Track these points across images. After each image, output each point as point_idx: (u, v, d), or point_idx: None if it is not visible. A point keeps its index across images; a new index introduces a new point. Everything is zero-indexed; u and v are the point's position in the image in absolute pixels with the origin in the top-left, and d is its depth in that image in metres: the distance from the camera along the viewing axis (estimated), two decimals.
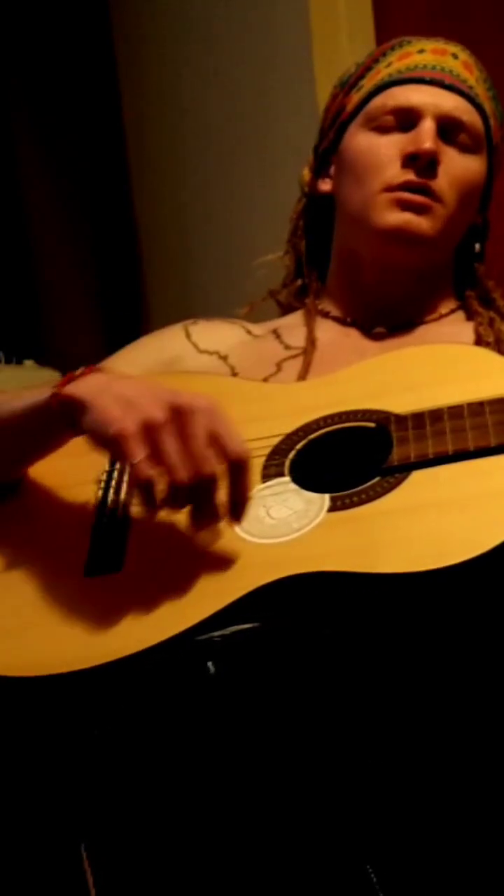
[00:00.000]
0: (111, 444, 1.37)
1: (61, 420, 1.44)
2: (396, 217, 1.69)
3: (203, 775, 1.29)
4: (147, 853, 1.30)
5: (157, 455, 1.36)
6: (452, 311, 1.80)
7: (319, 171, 1.84)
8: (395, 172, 1.70)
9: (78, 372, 1.45)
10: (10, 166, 3.18)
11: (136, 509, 1.47)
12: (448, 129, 1.71)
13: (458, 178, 1.71)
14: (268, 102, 2.94)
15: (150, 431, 1.36)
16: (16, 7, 3.15)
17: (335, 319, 1.80)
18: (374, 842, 1.28)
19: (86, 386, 1.42)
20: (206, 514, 1.38)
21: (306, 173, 1.86)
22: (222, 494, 1.38)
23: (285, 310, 1.88)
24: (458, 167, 1.71)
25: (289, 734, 1.29)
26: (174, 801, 1.29)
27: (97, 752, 1.32)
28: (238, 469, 1.38)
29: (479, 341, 1.71)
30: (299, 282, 1.87)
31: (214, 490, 1.37)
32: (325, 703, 1.31)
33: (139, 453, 1.35)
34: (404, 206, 1.69)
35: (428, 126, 1.69)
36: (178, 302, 3.12)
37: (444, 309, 1.79)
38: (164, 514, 1.40)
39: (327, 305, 1.82)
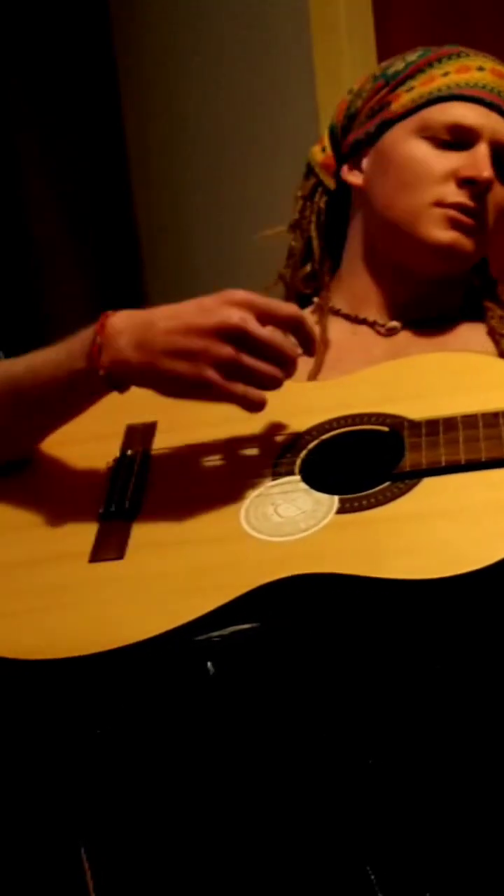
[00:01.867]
0: (204, 396, 1.43)
1: (106, 387, 1.46)
2: (447, 235, 1.69)
3: (202, 775, 1.30)
4: (146, 853, 1.30)
5: (249, 379, 1.42)
6: (462, 310, 1.79)
7: (345, 159, 1.80)
8: (450, 191, 1.69)
9: (97, 338, 1.45)
10: (10, 166, 3.18)
11: (147, 500, 1.49)
12: (499, 156, 1.71)
13: (500, 207, 1.72)
14: (268, 102, 2.93)
15: (230, 368, 1.41)
16: (16, 8, 3.15)
17: (345, 317, 1.79)
18: (374, 842, 1.28)
19: (127, 350, 1.43)
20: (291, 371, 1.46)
21: (318, 153, 1.84)
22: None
23: (290, 292, 1.86)
24: (502, 196, 1.72)
25: (287, 734, 1.30)
26: (173, 801, 1.30)
27: (97, 751, 1.32)
28: (300, 327, 1.48)
29: (493, 332, 1.72)
30: (308, 268, 1.85)
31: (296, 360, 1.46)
32: (324, 703, 1.31)
33: (238, 389, 1.42)
34: (455, 224, 1.69)
35: (485, 152, 1.69)
36: (178, 301, 3.11)
37: (454, 307, 1.78)
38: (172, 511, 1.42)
39: (337, 300, 1.80)
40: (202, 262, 3.15)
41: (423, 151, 1.72)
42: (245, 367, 1.41)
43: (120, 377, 1.44)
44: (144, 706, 1.32)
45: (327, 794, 1.29)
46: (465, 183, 1.69)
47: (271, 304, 1.46)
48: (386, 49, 2.75)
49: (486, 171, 1.68)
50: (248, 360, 1.41)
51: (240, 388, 1.42)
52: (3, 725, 1.36)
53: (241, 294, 1.43)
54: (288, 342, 1.45)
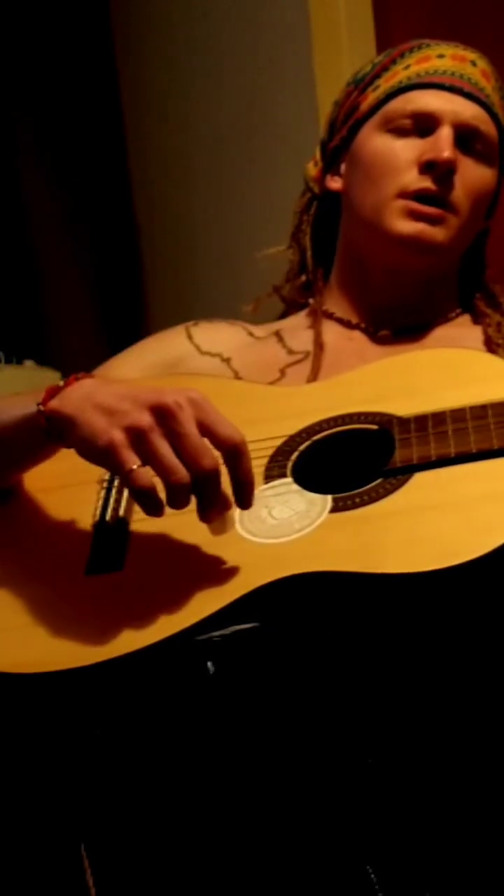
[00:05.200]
0: (102, 457, 1.36)
1: (49, 435, 1.42)
2: (410, 226, 1.68)
3: (202, 775, 1.30)
4: (147, 853, 1.30)
5: (150, 460, 1.34)
6: (458, 314, 1.79)
7: (328, 167, 1.82)
8: (412, 179, 1.68)
9: (62, 383, 1.43)
10: (11, 166, 3.18)
11: (138, 518, 1.47)
12: (465, 137, 1.70)
13: (472, 189, 1.70)
14: (268, 102, 2.94)
15: (138, 438, 1.34)
16: (17, 15, 3.15)
17: (339, 321, 1.79)
18: (374, 841, 1.28)
19: (69, 400, 1.40)
20: (213, 507, 1.36)
21: (311, 168, 1.85)
22: (226, 484, 1.37)
23: (288, 305, 1.87)
24: (474, 177, 1.70)
25: (288, 734, 1.30)
26: (174, 801, 1.30)
27: (97, 751, 1.32)
28: (235, 455, 1.36)
29: (489, 342, 1.71)
30: (303, 278, 1.85)
31: (218, 482, 1.35)
32: (325, 703, 1.31)
33: (131, 462, 1.33)
34: (418, 216, 1.68)
35: (446, 134, 1.68)
36: (178, 301, 3.12)
37: (449, 312, 1.79)
38: (169, 517, 1.40)
39: (331, 306, 1.81)
40: (201, 262, 3.16)
41: (386, 143, 1.72)
42: (152, 448, 1.33)
43: (55, 423, 1.41)
44: (144, 706, 1.32)
45: (327, 794, 1.29)
46: (427, 168, 1.68)
47: (218, 417, 1.36)
48: (386, 49, 2.76)
49: (446, 152, 1.67)
50: (159, 441, 1.33)
51: (134, 461, 1.33)
52: (4, 726, 1.36)
53: (197, 393, 1.37)
54: (211, 457, 1.34)
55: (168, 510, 1.37)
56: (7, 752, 1.36)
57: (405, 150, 1.70)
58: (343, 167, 1.79)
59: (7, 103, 3.18)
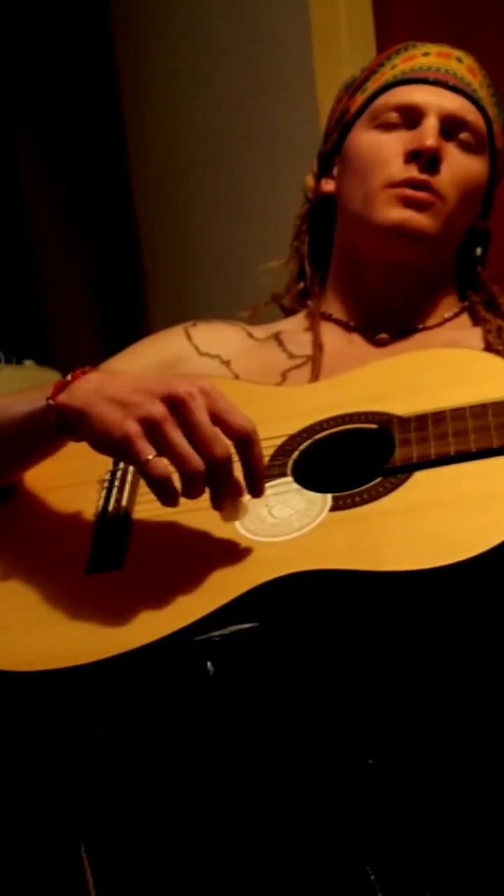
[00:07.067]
0: (117, 448, 1.37)
1: (59, 429, 1.43)
2: (398, 213, 1.69)
3: (202, 775, 1.30)
4: (147, 853, 1.30)
5: (165, 450, 1.35)
6: (456, 316, 1.80)
7: (322, 173, 1.84)
8: (398, 168, 1.70)
9: (69, 377, 1.44)
10: (11, 166, 3.18)
11: (141, 508, 1.48)
12: (451, 127, 1.72)
13: (459, 177, 1.72)
14: (268, 104, 2.94)
15: (152, 428, 1.35)
16: (17, 15, 3.15)
17: (337, 323, 1.80)
18: (374, 842, 1.28)
19: (79, 393, 1.41)
20: (226, 495, 1.38)
21: (310, 180, 1.86)
22: (238, 471, 1.38)
23: (288, 314, 1.88)
24: (461, 165, 1.72)
25: (288, 734, 1.30)
26: (174, 801, 1.30)
27: (97, 751, 1.32)
28: (246, 444, 1.38)
29: (489, 348, 1.71)
30: (301, 284, 1.86)
31: (230, 470, 1.37)
32: (325, 702, 1.31)
33: (147, 452, 1.35)
34: (406, 202, 1.69)
35: (431, 123, 1.70)
36: (178, 301, 3.12)
37: (447, 313, 1.79)
38: (169, 516, 1.41)
39: (329, 307, 1.81)
40: (201, 262, 3.16)
41: (374, 138, 1.74)
42: (167, 438, 1.35)
43: (65, 416, 1.42)
44: (144, 706, 1.32)
45: (327, 794, 1.29)
46: (413, 157, 1.70)
47: (229, 407, 1.38)
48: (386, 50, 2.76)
49: (430, 140, 1.69)
50: (173, 431, 1.35)
51: (151, 452, 1.35)
52: (4, 726, 1.36)
53: (208, 382, 1.39)
54: (223, 445, 1.36)
55: (169, 509, 1.38)
56: (7, 751, 1.36)
57: (392, 143, 1.72)
58: (335, 170, 1.81)
59: (7, 103, 3.18)
